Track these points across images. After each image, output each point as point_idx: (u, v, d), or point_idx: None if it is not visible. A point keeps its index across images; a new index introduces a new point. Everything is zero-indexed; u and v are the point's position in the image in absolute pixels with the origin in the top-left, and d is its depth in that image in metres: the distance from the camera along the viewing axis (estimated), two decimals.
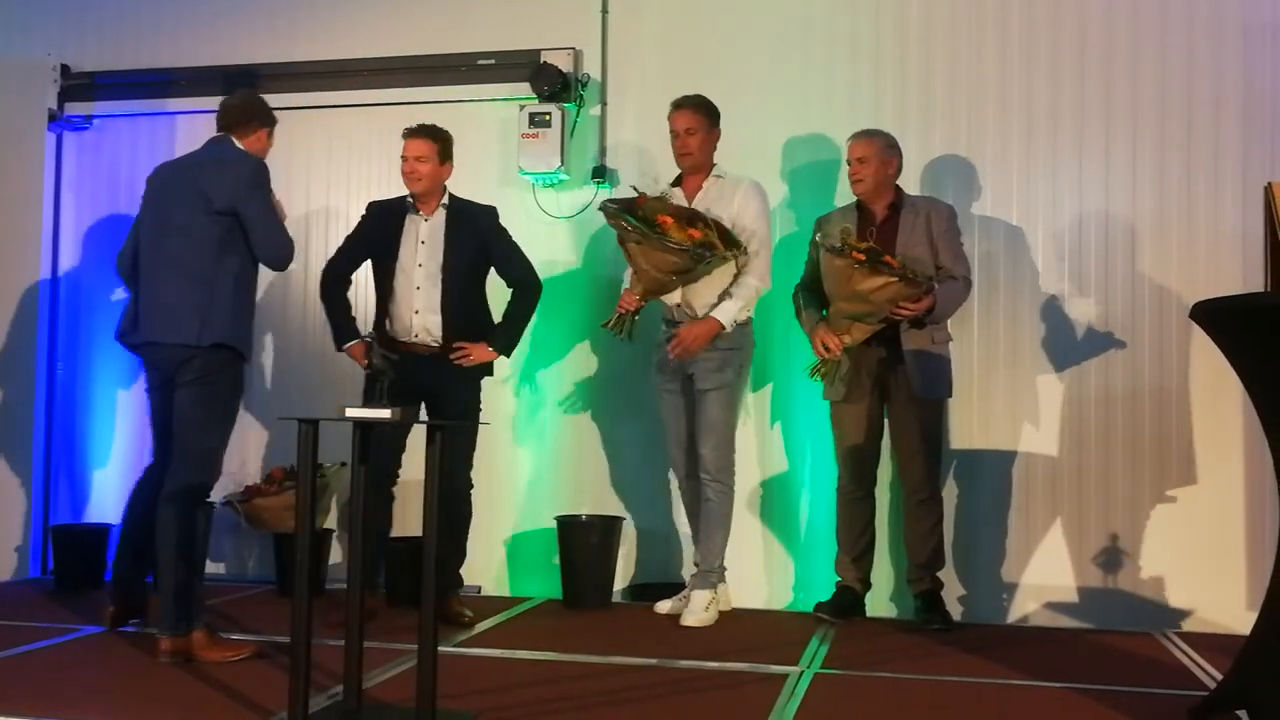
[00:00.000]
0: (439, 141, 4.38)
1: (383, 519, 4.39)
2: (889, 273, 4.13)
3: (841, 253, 4.15)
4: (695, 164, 4.47)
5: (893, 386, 4.40)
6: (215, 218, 3.73)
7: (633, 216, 4.27)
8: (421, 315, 4.37)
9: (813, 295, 4.48)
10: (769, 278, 4.45)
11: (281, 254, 3.84)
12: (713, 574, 4.46)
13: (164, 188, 3.88)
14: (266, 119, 4.03)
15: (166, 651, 3.61)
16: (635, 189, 4.42)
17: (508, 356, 4.48)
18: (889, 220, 4.44)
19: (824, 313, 4.41)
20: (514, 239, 4.54)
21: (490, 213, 4.53)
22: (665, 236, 4.21)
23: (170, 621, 3.63)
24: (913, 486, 4.43)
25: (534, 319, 4.61)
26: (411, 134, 4.39)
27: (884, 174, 4.43)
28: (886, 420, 4.48)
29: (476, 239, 4.43)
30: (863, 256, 4.13)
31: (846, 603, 4.47)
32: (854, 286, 4.15)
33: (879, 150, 4.41)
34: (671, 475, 4.79)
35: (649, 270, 4.29)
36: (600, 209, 4.44)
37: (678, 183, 4.55)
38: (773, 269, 4.55)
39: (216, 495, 4.31)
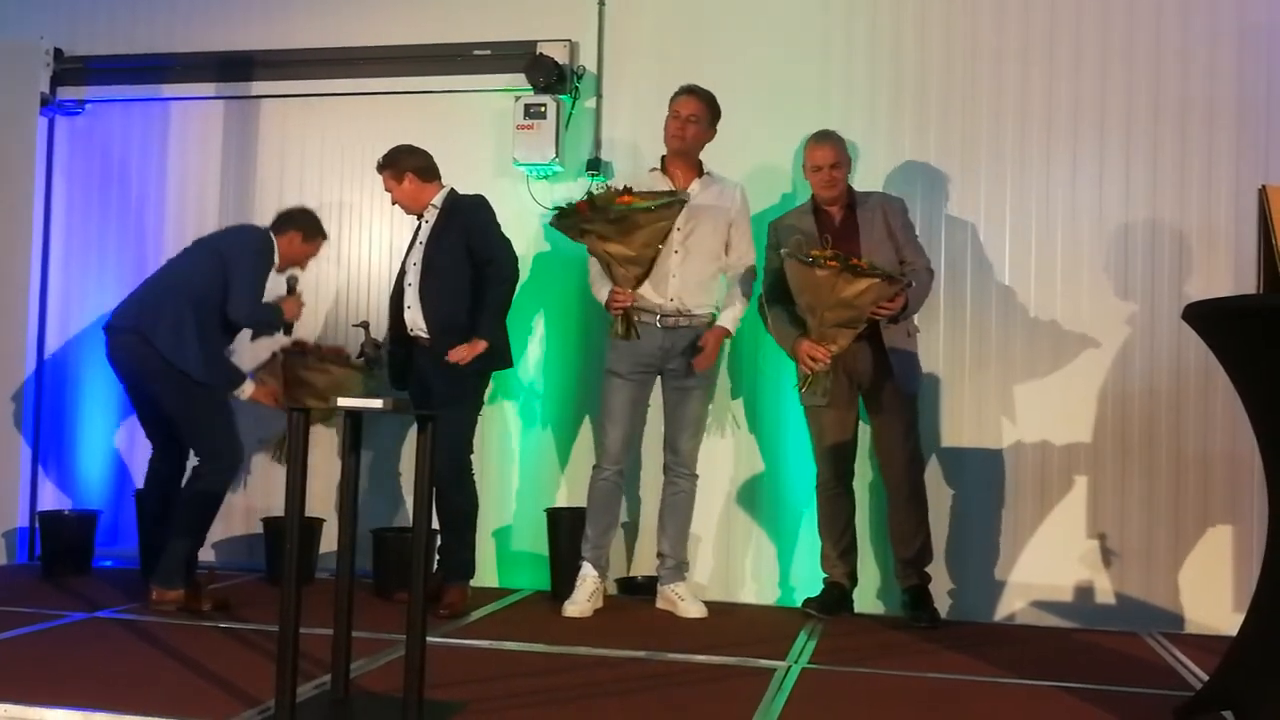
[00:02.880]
0: (390, 167, 4.55)
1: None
2: (870, 274, 4.10)
3: (816, 264, 4.10)
4: (685, 150, 4.47)
5: (871, 384, 4.39)
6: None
7: (592, 216, 4.24)
8: (412, 311, 4.48)
9: (783, 308, 4.40)
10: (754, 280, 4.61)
11: (240, 316, 4.44)
12: (686, 564, 4.56)
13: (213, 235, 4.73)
14: (300, 225, 4.67)
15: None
16: (563, 205, 4.39)
17: (491, 341, 4.37)
18: (846, 220, 4.42)
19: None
20: (494, 222, 4.50)
21: (476, 201, 4.54)
22: (640, 206, 4.21)
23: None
24: (896, 483, 4.43)
25: (513, 297, 4.52)
26: (377, 169, 4.61)
27: (848, 175, 4.44)
28: (866, 417, 4.47)
29: (462, 232, 4.45)
30: (837, 265, 4.09)
31: (834, 599, 4.48)
32: (838, 294, 4.11)
33: (843, 152, 4.41)
34: (601, 465, 4.51)
35: (636, 253, 4.27)
36: (554, 225, 4.42)
37: (661, 168, 4.53)
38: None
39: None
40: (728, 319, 4.49)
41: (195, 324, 4.36)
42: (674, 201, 4.31)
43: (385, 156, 4.56)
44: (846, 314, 4.18)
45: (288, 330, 4.68)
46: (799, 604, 4.56)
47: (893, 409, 4.38)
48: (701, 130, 4.48)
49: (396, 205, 4.63)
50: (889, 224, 4.38)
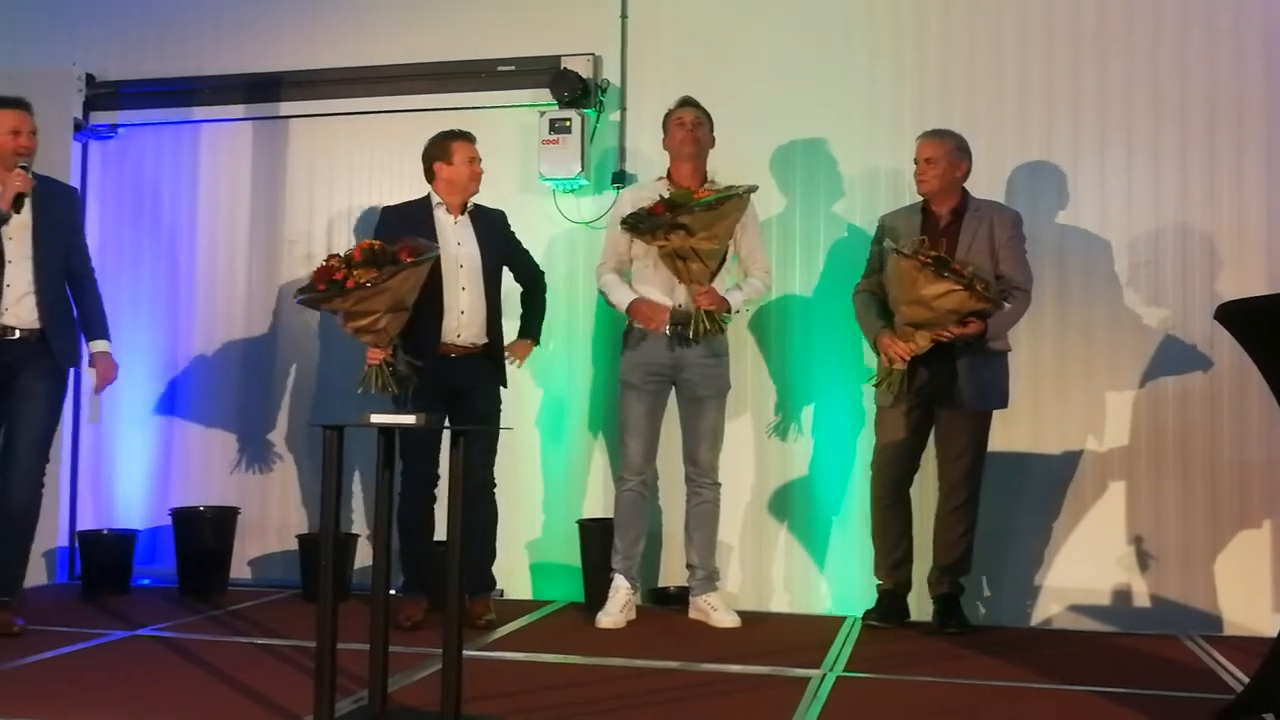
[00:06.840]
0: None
1: (429, 523, 4.45)
2: (954, 279, 4.02)
3: (902, 253, 4.09)
4: (698, 153, 4.48)
5: (945, 393, 4.30)
6: None
7: (680, 211, 4.26)
8: (467, 315, 4.35)
9: (874, 299, 4.41)
10: (770, 284, 4.66)
11: None
12: (716, 574, 4.56)
13: None
14: None
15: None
16: (637, 211, 4.35)
17: (538, 344, 4.66)
18: (951, 224, 4.36)
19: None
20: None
21: (502, 215, 4.60)
22: (724, 195, 4.28)
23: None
24: (949, 490, 4.38)
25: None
26: (473, 138, 4.52)
27: (950, 176, 4.34)
28: (935, 426, 4.41)
29: (498, 239, 4.50)
30: (923, 259, 4.04)
31: (893, 607, 4.43)
32: (918, 290, 4.05)
33: (948, 151, 4.34)
34: (624, 476, 4.52)
35: (719, 245, 4.35)
36: (633, 227, 4.35)
37: (668, 177, 4.53)
38: (798, 273, 4.87)
39: None
40: (733, 296, 4.45)
41: None
42: (748, 190, 4.40)
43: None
44: (923, 314, 4.11)
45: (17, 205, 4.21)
46: (832, 612, 4.53)
47: (958, 419, 4.32)
48: (707, 134, 4.51)
49: (475, 178, 4.46)
50: (993, 235, 4.31)
